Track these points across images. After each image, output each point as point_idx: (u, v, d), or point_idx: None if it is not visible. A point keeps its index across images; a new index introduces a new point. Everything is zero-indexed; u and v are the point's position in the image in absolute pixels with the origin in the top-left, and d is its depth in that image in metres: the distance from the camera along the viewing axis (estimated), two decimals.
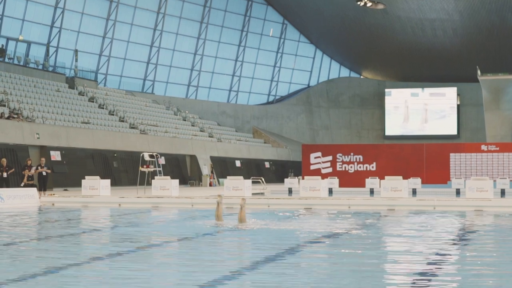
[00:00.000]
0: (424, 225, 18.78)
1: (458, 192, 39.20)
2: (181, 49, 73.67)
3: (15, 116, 43.17)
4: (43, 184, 32.95)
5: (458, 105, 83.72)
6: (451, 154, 52.98)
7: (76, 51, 61.62)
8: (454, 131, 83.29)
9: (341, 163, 54.59)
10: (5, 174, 32.37)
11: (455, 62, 78.90)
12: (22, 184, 32.53)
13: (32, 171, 33.09)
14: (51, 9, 60.15)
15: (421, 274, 10.00)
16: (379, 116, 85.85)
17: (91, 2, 63.81)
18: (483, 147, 53.14)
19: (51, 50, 60.36)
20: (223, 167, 61.71)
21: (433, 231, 16.99)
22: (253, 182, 34.50)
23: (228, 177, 32.48)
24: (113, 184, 36.04)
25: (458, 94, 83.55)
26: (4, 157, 35.32)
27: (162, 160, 47.90)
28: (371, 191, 41.60)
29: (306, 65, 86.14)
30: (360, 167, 54.23)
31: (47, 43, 59.99)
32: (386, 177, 31.19)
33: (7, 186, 31.87)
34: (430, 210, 24.66)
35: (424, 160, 53.05)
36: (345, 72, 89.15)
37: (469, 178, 32.62)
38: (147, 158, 37.27)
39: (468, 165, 52.32)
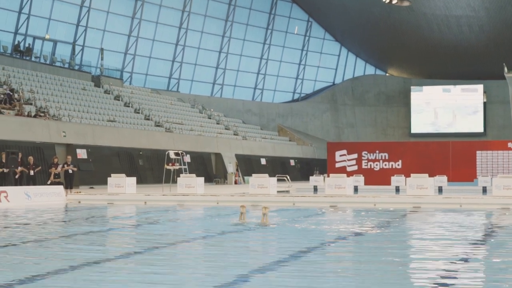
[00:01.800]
0: (450, 224, 18.66)
1: (484, 190, 38.92)
2: (206, 47, 73.80)
3: (42, 114, 43.49)
4: (69, 182, 33.12)
5: (484, 103, 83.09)
6: (477, 152, 52.68)
7: (101, 49, 61.96)
8: (480, 129, 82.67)
9: (366, 161, 54.49)
10: (32, 172, 32.62)
11: (482, 59, 78.31)
12: (49, 182, 32.72)
13: (59, 169, 33.29)
14: (77, 8, 60.50)
15: (447, 271, 9.93)
16: (404, 114, 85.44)
17: (116, 1, 64.14)
18: (510, 145, 52.77)
19: (77, 48, 60.73)
20: (248, 165, 61.74)
21: (459, 230, 16.87)
22: (278, 180, 34.48)
23: (253, 175, 32.46)
24: (138, 182, 36.19)
25: (484, 92, 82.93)
26: (31, 155, 35.60)
27: (187, 158, 48.01)
28: (397, 189, 41.47)
29: (331, 63, 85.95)
30: (385, 164, 54.08)
31: (73, 41, 60.37)
32: (412, 174, 31.04)
33: (34, 184, 32.09)
34: (456, 208, 24.49)
35: (450, 157, 52.78)
36: (370, 70, 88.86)
37: (495, 176, 32.34)
38: (172, 156, 37.40)
39: (495, 163, 51.99)
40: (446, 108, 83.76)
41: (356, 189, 39.60)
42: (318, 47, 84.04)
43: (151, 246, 13.21)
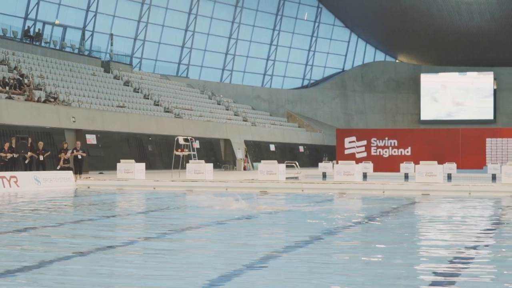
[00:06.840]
0: (459, 211, 18.64)
1: (494, 177, 38.84)
2: (216, 33, 73.70)
3: (52, 100, 43.57)
4: (78, 167, 33.30)
5: (494, 90, 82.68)
6: (487, 139, 52.53)
7: (111, 35, 61.95)
8: (490, 116, 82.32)
9: (375, 148, 54.44)
10: (41, 157, 32.75)
11: (492, 46, 77.98)
12: (58, 167, 32.88)
13: (68, 154, 33.44)
14: None
15: (453, 262, 9.92)
16: (414, 101, 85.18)
17: None
18: None
19: (87, 34, 60.74)
20: (257, 151, 61.77)
21: (468, 217, 16.84)
22: (287, 166, 34.50)
23: (262, 161, 32.50)
24: (147, 167, 36.24)
25: (494, 79, 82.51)
26: (41, 140, 35.72)
27: (196, 144, 48.06)
28: (406, 176, 41.40)
29: (341, 49, 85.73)
30: (394, 151, 54.03)
31: (83, 27, 60.38)
32: (421, 162, 31.00)
33: (44, 169, 32.24)
34: (465, 196, 24.45)
35: (460, 145, 52.68)
36: (380, 56, 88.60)
37: (505, 163, 32.24)
38: (181, 142, 37.42)
39: (505, 150, 51.85)
40: (459, 91, 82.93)
41: (365, 176, 39.60)
42: (328, 33, 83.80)
43: (159, 232, 13.24)
